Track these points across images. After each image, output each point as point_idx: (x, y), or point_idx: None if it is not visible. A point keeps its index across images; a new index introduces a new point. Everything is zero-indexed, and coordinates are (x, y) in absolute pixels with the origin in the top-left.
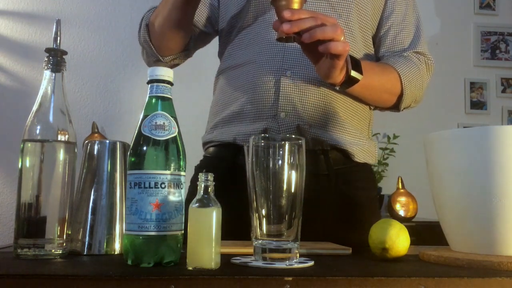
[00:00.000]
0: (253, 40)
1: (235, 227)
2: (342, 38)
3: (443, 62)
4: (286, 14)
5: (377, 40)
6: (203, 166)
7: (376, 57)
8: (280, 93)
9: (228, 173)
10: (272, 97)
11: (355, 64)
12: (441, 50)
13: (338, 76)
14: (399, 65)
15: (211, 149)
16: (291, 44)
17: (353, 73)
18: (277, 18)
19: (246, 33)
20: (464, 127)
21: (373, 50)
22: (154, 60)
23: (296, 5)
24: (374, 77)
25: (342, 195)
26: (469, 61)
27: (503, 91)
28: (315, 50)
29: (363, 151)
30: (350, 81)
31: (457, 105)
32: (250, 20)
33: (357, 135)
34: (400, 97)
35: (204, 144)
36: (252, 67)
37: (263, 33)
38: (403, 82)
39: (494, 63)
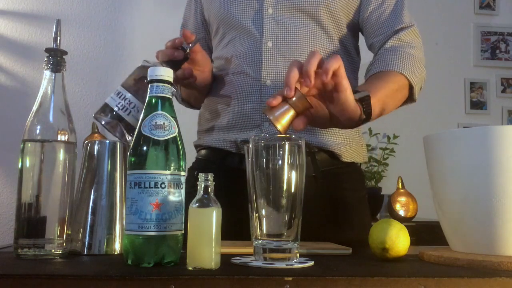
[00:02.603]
0: (236, 52)
1: (229, 227)
2: (319, 58)
3: (443, 62)
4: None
5: (361, 25)
6: (195, 168)
7: (367, 43)
8: (262, 103)
9: (217, 174)
10: (254, 107)
11: (363, 100)
12: (441, 50)
13: (355, 115)
14: (394, 64)
15: (202, 151)
16: (269, 54)
17: (366, 111)
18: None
19: (228, 43)
20: (464, 127)
21: (350, 38)
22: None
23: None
24: (382, 92)
25: (330, 197)
26: (469, 61)
27: (503, 91)
28: (317, 114)
29: (351, 150)
30: (368, 117)
31: (457, 105)
32: (231, 30)
33: (345, 136)
34: (411, 88)
35: (196, 147)
36: (235, 78)
37: (243, 47)
38: (407, 77)
39: (494, 63)
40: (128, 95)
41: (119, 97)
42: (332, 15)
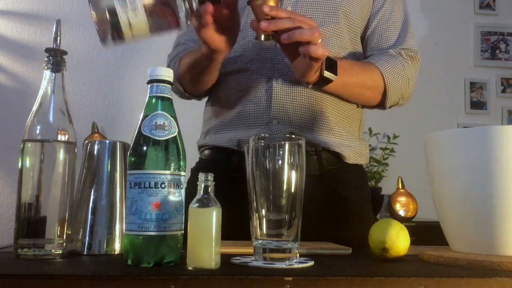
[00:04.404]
0: (245, 49)
1: (231, 227)
2: (320, 41)
3: (443, 62)
4: (265, 9)
5: (365, 38)
6: (199, 168)
7: (364, 56)
8: (272, 101)
9: (223, 174)
10: (264, 105)
11: (330, 64)
12: (441, 50)
13: (312, 76)
14: (381, 63)
15: (206, 151)
16: (280, 52)
17: (326, 74)
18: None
19: (238, 41)
20: (464, 127)
21: (360, 49)
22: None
23: (272, 3)
24: (353, 75)
25: (335, 195)
26: (469, 61)
27: (503, 91)
28: (293, 49)
29: (355, 152)
30: (323, 81)
31: (457, 105)
32: (242, 28)
33: (349, 137)
34: (385, 94)
35: (199, 147)
36: (243, 75)
37: (254, 42)
38: (385, 78)
39: (494, 63)
40: None
41: None
42: (349, 21)
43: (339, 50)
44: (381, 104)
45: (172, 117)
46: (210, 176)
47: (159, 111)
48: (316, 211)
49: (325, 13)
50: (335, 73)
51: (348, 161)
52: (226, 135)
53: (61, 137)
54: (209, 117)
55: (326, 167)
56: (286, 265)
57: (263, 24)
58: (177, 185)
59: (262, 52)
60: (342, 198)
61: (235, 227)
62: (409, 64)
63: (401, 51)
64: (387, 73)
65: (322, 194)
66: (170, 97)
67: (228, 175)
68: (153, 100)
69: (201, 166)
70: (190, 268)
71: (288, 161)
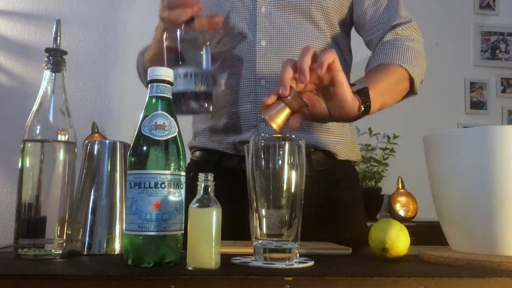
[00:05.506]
0: (228, 54)
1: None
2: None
3: (443, 62)
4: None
5: (356, 23)
6: (191, 169)
7: (366, 41)
8: (257, 103)
9: (214, 175)
10: (250, 108)
11: (362, 92)
12: (441, 50)
13: (353, 107)
14: (390, 56)
15: (197, 153)
16: (262, 54)
17: (355, 88)
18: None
19: (219, 42)
20: (464, 127)
21: (343, 36)
22: None
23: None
24: (380, 81)
25: (326, 196)
26: (469, 61)
27: (503, 91)
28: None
29: (346, 149)
30: (367, 109)
31: (457, 105)
32: (223, 34)
33: (340, 134)
34: (412, 81)
35: (190, 148)
36: (227, 79)
37: (236, 47)
38: (407, 69)
39: (494, 63)
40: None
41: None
42: (325, 13)
43: (320, 43)
44: (411, 91)
45: (172, 117)
46: (210, 176)
47: (159, 111)
48: (308, 212)
49: (299, 11)
50: (368, 97)
51: (339, 158)
52: (215, 139)
53: (61, 137)
54: (198, 120)
55: (316, 168)
56: (286, 265)
57: (284, 92)
58: (177, 185)
59: (245, 55)
60: (333, 199)
61: (231, 228)
62: (414, 39)
63: (397, 31)
64: (406, 63)
65: (313, 195)
66: (170, 97)
67: (219, 176)
68: (153, 100)
69: (192, 167)
70: (190, 268)
71: (288, 161)
